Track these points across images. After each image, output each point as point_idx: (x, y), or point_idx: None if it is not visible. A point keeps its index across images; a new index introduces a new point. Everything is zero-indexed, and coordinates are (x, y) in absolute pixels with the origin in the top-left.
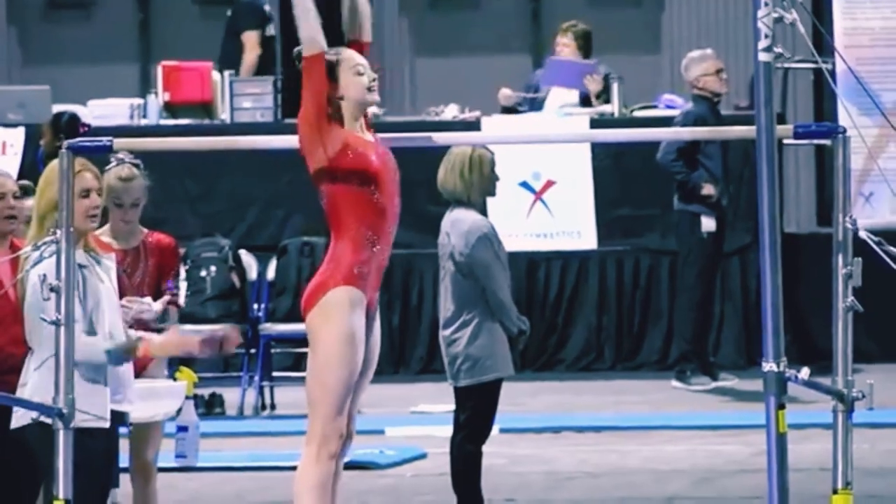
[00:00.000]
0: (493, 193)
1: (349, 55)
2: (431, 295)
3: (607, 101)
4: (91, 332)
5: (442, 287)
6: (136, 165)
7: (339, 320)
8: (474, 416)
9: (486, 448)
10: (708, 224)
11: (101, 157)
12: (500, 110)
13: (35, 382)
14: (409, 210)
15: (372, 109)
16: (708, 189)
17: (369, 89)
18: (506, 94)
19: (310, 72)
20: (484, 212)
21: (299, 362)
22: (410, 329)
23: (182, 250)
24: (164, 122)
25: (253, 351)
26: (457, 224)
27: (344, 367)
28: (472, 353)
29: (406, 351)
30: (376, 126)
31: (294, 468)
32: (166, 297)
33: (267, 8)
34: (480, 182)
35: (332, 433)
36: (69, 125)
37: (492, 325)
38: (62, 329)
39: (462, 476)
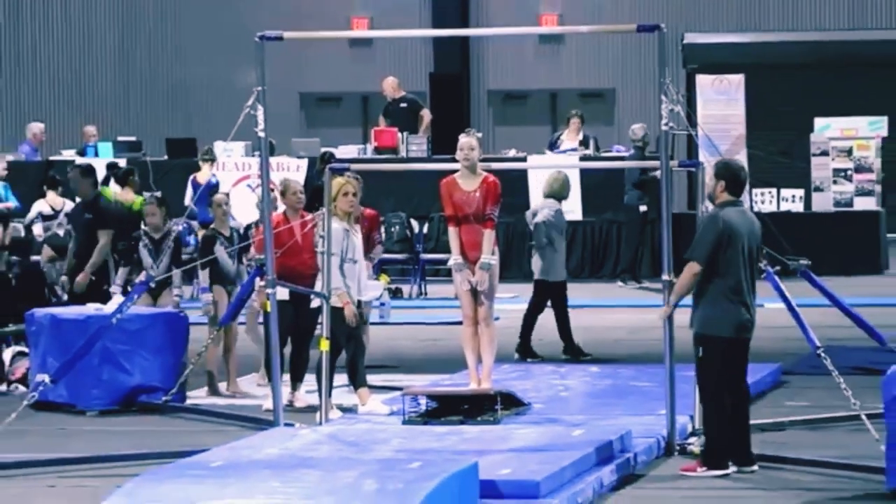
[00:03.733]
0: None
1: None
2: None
3: (587, 148)
4: (347, 260)
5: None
6: (357, 178)
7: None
8: None
9: None
10: (643, 207)
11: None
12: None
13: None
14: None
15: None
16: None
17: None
18: (390, 84)
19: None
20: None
21: (437, 273)
22: None
23: (381, 218)
24: (373, 156)
25: (416, 267)
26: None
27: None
28: None
29: None
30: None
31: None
32: (376, 243)
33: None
34: (563, 188)
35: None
36: (329, 158)
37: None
38: (327, 256)
39: None
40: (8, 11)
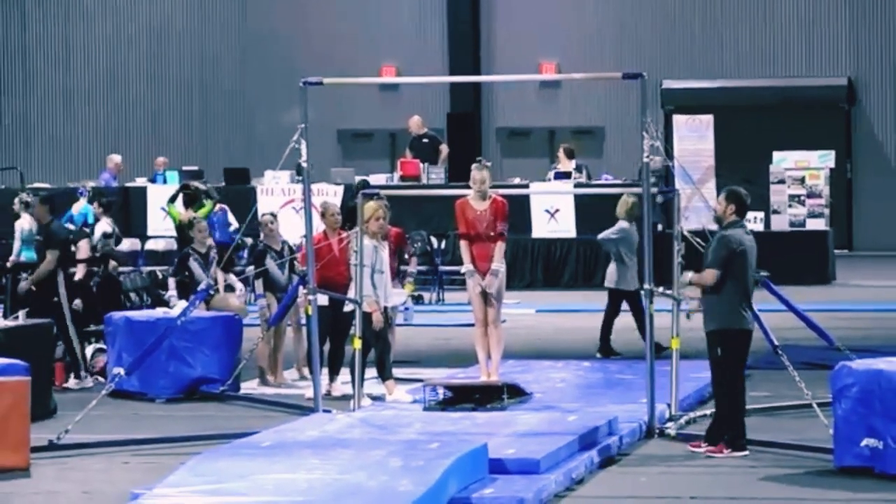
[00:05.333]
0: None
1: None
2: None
3: (581, 174)
4: (376, 271)
5: None
6: (385, 202)
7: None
8: None
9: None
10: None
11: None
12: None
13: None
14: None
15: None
16: None
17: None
18: (416, 122)
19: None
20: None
21: (453, 283)
22: None
23: (406, 235)
24: (399, 184)
25: (435, 277)
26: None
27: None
28: None
29: None
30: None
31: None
32: (411, 255)
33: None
34: (632, 209)
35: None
36: (363, 185)
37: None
38: (359, 268)
39: None
40: (98, 60)
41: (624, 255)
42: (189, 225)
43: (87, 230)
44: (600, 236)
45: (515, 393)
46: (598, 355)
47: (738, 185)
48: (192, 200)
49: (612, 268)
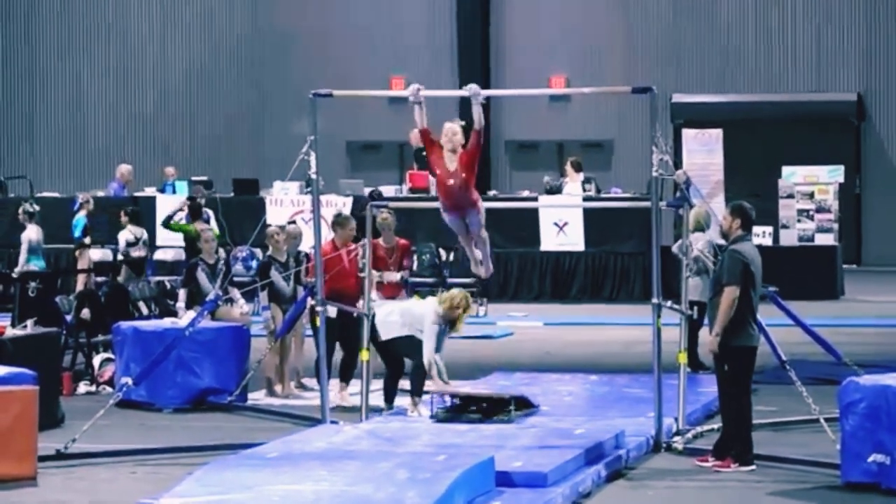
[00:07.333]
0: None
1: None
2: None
3: (590, 185)
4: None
5: None
6: (392, 213)
7: None
8: None
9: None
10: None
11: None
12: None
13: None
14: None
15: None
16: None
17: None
18: (416, 136)
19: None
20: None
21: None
22: None
23: (413, 247)
24: (408, 195)
25: (443, 289)
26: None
27: None
28: None
29: None
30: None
31: None
32: (406, 267)
33: None
34: (705, 221)
35: None
36: (374, 195)
37: None
38: (367, 279)
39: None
40: (107, 69)
41: (709, 267)
42: (197, 236)
43: (87, 241)
44: (697, 254)
45: (523, 405)
46: (689, 370)
47: (747, 200)
48: (198, 212)
49: (696, 281)
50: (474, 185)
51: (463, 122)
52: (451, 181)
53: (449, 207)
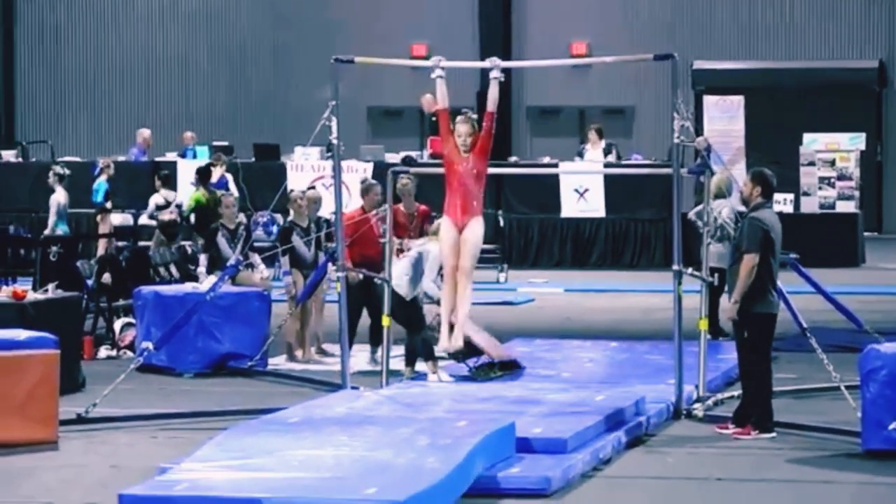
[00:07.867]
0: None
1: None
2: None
3: (610, 154)
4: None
5: None
6: (412, 179)
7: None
8: None
9: None
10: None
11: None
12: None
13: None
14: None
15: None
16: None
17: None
18: (428, 101)
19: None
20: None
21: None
22: None
23: (433, 214)
24: (428, 161)
25: None
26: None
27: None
28: None
29: None
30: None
31: None
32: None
33: None
34: (727, 188)
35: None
36: (406, 161)
37: None
38: (389, 245)
39: None
40: (128, 34)
41: (731, 234)
42: (217, 202)
43: (108, 206)
44: (722, 218)
45: (508, 367)
46: (709, 337)
47: (767, 167)
48: (207, 177)
49: (719, 248)
50: (485, 174)
51: (475, 116)
52: (462, 166)
53: (454, 189)
